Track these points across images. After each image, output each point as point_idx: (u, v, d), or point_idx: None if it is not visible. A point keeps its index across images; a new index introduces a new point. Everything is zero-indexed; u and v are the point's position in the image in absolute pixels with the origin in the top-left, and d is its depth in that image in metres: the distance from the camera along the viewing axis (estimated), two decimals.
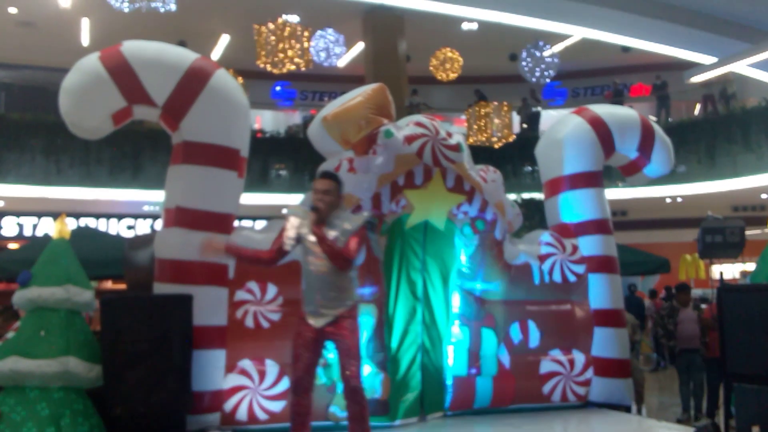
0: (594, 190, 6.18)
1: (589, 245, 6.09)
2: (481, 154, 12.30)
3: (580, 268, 6.04)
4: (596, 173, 6.24)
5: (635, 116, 6.55)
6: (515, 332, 5.82)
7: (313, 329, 4.23)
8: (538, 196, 7.44)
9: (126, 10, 11.28)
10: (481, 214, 5.71)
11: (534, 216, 9.94)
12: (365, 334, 5.20)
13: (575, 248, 6.08)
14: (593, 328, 5.99)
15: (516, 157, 15.08)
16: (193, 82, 4.84)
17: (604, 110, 6.49)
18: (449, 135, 5.55)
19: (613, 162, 6.61)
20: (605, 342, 5.96)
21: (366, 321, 5.15)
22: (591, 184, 6.18)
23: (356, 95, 5.46)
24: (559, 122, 6.60)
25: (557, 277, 5.96)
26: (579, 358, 5.93)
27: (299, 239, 4.34)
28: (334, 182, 4.35)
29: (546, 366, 5.84)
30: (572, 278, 6.00)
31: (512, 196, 9.82)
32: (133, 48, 4.82)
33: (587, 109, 6.49)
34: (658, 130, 6.59)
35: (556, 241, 6.07)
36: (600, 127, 6.25)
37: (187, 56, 4.98)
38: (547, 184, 6.49)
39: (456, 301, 5.73)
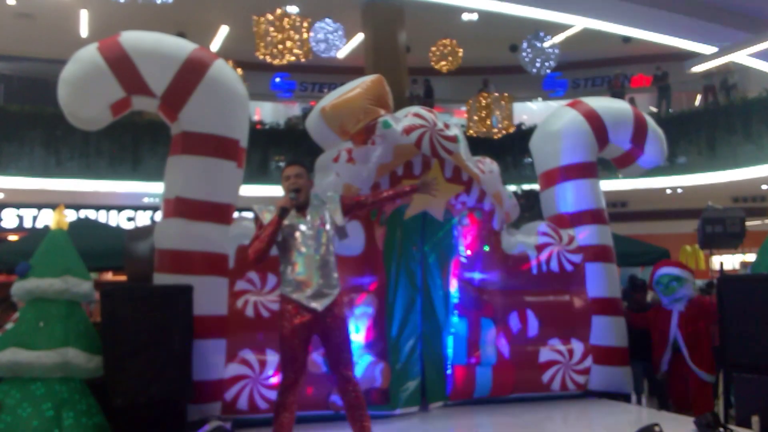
0: (589, 180, 6.23)
1: (585, 235, 6.12)
2: (482, 145, 12.29)
3: (576, 258, 6.06)
4: (591, 164, 6.29)
5: (628, 109, 6.63)
6: (514, 322, 5.84)
7: None
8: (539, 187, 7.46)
9: (122, 0, 11.27)
10: (478, 205, 5.72)
11: (534, 207, 9.92)
12: (365, 324, 5.22)
13: (572, 238, 6.11)
14: (591, 316, 6.02)
15: (517, 148, 15.03)
16: (192, 73, 4.83)
17: (598, 103, 6.54)
18: (447, 126, 5.56)
19: (606, 154, 6.64)
20: (603, 330, 5.98)
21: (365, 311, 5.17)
22: (586, 175, 6.22)
23: (355, 86, 5.46)
24: (554, 115, 6.65)
25: (554, 266, 5.99)
26: (578, 346, 5.95)
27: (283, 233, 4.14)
28: (303, 168, 4.28)
29: (545, 355, 5.86)
30: (569, 268, 6.03)
31: (512, 187, 9.82)
32: (132, 38, 4.80)
33: (582, 102, 6.55)
34: (651, 122, 6.63)
35: (553, 231, 6.10)
36: (594, 120, 6.30)
37: (185, 46, 4.97)
38: (543, 176, 6.51)
39: (455, 290, 5.74)
